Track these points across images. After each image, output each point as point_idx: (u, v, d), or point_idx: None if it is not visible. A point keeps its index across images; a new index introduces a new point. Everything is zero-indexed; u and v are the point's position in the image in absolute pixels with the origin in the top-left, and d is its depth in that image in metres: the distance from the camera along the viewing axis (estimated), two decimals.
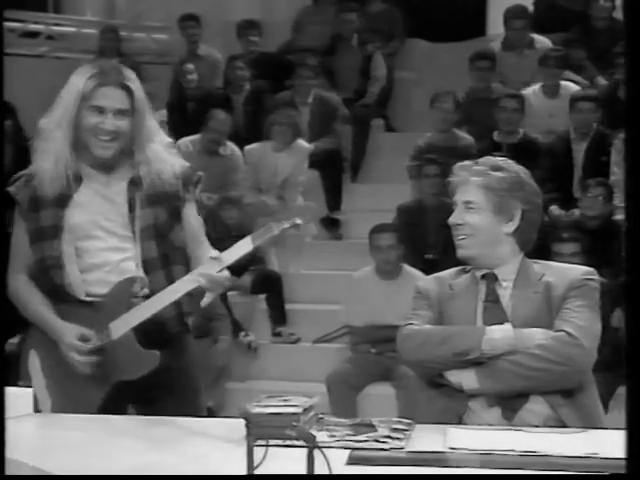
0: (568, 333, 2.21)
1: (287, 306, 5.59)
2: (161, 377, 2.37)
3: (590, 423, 2.20)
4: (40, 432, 2.18)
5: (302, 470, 1.57)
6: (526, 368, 2.20)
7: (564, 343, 2.20)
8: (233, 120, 6.26)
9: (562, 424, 2.19)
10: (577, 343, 2.21)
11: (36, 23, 7.43)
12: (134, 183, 2.46)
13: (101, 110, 2.42)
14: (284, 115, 6.06)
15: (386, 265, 4.89)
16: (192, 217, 2.51)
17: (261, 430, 1.63)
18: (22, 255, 2.49)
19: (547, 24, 6.72)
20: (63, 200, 2.44)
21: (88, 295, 2.42)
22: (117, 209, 2.45)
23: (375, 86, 6.89)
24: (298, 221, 2.30)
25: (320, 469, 1.57)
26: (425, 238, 5.36)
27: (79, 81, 2.44)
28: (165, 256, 2.45)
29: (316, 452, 1.57)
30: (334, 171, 6.35)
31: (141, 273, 2.42)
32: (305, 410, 1.71)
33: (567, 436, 2.03)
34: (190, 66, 6.74)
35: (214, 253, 2.32)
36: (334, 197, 6.32)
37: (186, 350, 2.54)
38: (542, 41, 6.55)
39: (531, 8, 6.85)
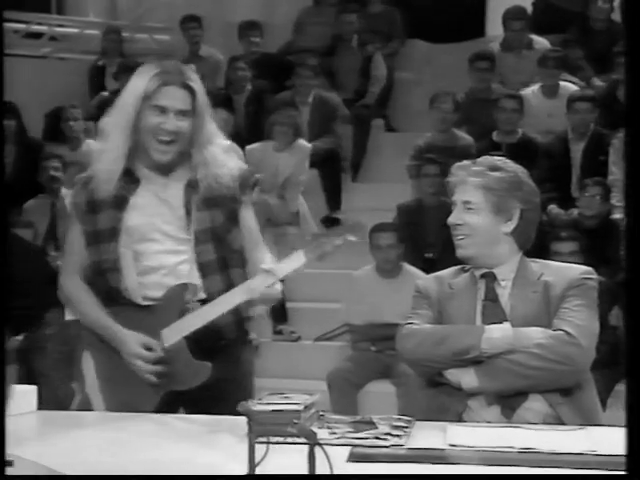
0: (567, 332, 2.23)
1: (288, 304, 5.61)
2: (215, 387, 2.33)
3: (588, 421, 2.21)
4: (43, 429, 2.20)
5: (303, 467, 1.59)
6: (525, 367, 2.21)
7: (563, 342, 2.22)
8: (235, 120, 6.28)
9: (561, 422, 2.20)
10: (575, 342, 2.22)
11: (39, 24, 7.43)
12: (191, 185, 2.42)
13: (163, 110, 2.37)
14: (285, 115, 6.07)
15: (386, 264, 4.91)
16: (249, 220, 2.48)
17: (263, 427, 1.64)
18: (77, 257, 2.46)
19: (545, 25, 6.73)
20: (120, 202, 2.41)
21: (144, 299, 2.39)
22: (174, 212, 2.41)
23: (375, 86, 6.90)
24: (351, 238, 2.28)
25: (321, 466, 1.59)
26: (425, 237, 5.38)
27: (141, 81, 2.39)
28: (223, 259, 2.42)
29: (317, 449, 1.59)
30: (333, 171, 6.37)
31: (196, 276, 2.39)
32: (306, 407, 1.73)
33: (566, 433, 2.05)
34: (192, 67, 6.75)
35: (267, 266, 2.29)
36: (334, 196, 6.34)
37: (240, 358, 2.49)
38: (541, 42, 6.56)
39: (530, 9, 6.86)
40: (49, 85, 6.71)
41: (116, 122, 2.40)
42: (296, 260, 2.26)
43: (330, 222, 6.28)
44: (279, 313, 5.56)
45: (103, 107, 7.82)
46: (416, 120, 6.67)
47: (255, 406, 1.69)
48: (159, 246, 2.40)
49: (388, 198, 5.83)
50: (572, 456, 1.88)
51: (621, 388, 4.56)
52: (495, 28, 7.10)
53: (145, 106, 2.37)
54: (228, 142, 2.51)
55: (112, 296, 2.40)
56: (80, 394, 2.42)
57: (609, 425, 2.23)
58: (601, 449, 1.91)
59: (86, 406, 2.39)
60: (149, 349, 2.33)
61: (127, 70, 6.68)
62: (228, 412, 2.24)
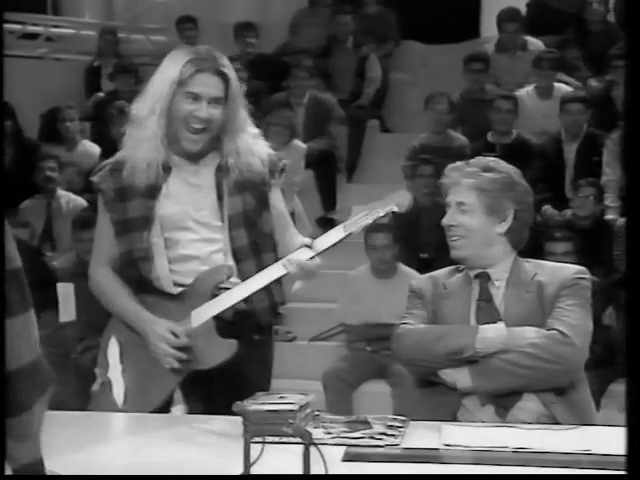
0: (560, 332, 2.24)
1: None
2: (241, 367, 2.33)
3: (582, 420, 2.22)
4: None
5: (298, 467, 1.60)
6: (519, 366, 2.22)
7: (556, 342, 2.23)
8: None
9: (555, 421, 2.21)
10: (569, 342, 2.23)
11: (35, 25, 7.42)
12: (222, 170, 2.39)
13: (196, 97, 2.34)
14: (280, 116, 6.08)
15: (381, 264, 4.92)
16: (279, 203, 2.46)
17: (258, 427, 1.65)
18: (107, 247, 2.42)
19: (540, 26, 6.75)
20: (152, 190, 2.37)
21: (176, 286, 2.35)
22: (206, 197, 2.38)
23: (370, 87, 6.91)
24: (395, 208, 2.26)
25: (316, 466, 1.60)
26: (420, 237, 5.39)
27: (174, 67, 2.34)
28: (255, 244, 2.39)
29: (312, 449, 1.60)
30: (328, 171, 6.38)
31: (231, 262, 2.37)
32: (301, 407, 1.74)
33: (560, 433, 2.06)
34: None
35: (307, 240, 2.28)
36: (329, 197, 6.35)
37: (270, 342, 2.51)
38: (535, 43, 6.58)
39: (524, 10, 6.88)
40: (45, 86, 6.70)
41: (149, 108, 2.35)
42: (336, 234, 2.27)
43: (325, 223, 6.29)
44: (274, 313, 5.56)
45: (99, 108, 7.84)
46: (411, 121, 6.69)
47: (250, 406, 1.70)
48: (194, 235, 2.38)
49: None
50: (566, 456, 1.89)
51: (615, 388, 4.58)
52: (490, 29, 7.12)
53: (178, 92, 2.33)
54: (257, 130, 2.48)
55: (143, 285, 2.38)
56: (102, 378, 2.41)
57: (603, 424, 2.24)
58: (595, 448, 1.92)
59: (106, 390, 2.38)
60: (175, 335, 2.30)
61: (123, 71, 6.71)
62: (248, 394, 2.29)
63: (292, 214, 5.96)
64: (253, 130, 2.47)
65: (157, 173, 2.37)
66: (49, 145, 6.12)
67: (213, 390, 2.37)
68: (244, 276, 2.35)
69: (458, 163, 2.40)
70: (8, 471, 1.30)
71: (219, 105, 2.36)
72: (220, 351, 2.30)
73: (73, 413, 2.32)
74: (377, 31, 7.21)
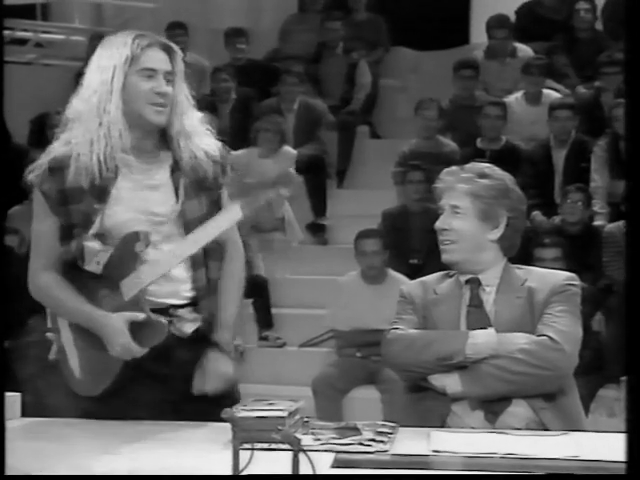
0: (550, 338, 2.24)
1: (273, 310, 5.61)
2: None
3: (571, 426, 2.22)
4: (28, 436, 2.19)
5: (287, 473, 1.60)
6: (509, 372, 2.23)
7: (546, 348, 2.24)
8: (219, 127, 6.27)
9: (544, 427, 2.21)
10: (559, 348, 2.24)
11: (24, 30, 7.41)
12: (176, 167, 2.24)
13: (152, 73, 2.20)
14: (270, 122, 6.09)
15: (371, 270, 4.93)
16: (227, 216, 2.21)
17: (247, 433, 1.65)
18: (49, 252, 2.25)
19: (529, 33, 6.79)
20: (99, 193, 2.20)
21: (98, 264, 2.20)
22: (162, 201, 2.23)
23: (360, 93, 6.93)
24: (283, 191, 2.21)
25: (305, 473, 1.60)
26: (410, 243, 5.40)
27: (120, 49, 2.20)
28: (204, 251, 2.24)
29: (301, 455, 1.60)
30: (319, 177, 6.39)
31: (185, 271, 2.23)
32: (291, 414, 1.73)
33: (549, 439, 2.06)
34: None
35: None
36: (319, 203, 6.36)
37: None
38: (524, 50, 6.62)
39: (513, 17, 6.91)
40: (34, 91, 6.69)
41: (96, 101, 2.19)
42: (233, 212, 2.13)
43: (316, 228, 6.30)
44: (265, 319, 5.56)
45: None
46: (401, 127, 6.71)
47: (239, 412, 1.69)
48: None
49: (373, 204, 5.85)
50: (555, 461, 1.89)
51: (604, 393, 4.59)
52: (479, 36, 7.14)
53: (131, 72, 2.19)
54: (198, 112, 2.30)
55: (73, 276, 2.23)
56: (57, 344, 2.33)
57: (592, 430, 2.25)
58: (584, 454, 1.92)
59: (62, 357, 2.31)
60: (135, 327, 2.16)
61: None
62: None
63: (282, 220, 5.98)
64: (198, 113, 2.31)
65: (104, 174, 2.19)
66: (38, 151, 6.09)
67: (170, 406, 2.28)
68: (196, 285, 2.24)
69: (453, 168, 2.40)
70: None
71: (170, 82, 2.23)
72: (152, 333, 2.17)
73: (62, 420, 2.31)
74: (367, 37, 7.23)
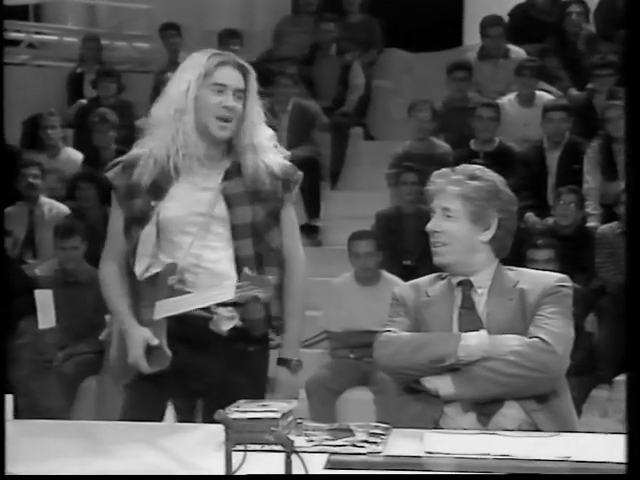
0: (542, 339, 2.25)
1: None
2: (232, 379, 2.38)
3: (564, 427, 2.23)
4: (20, 439, 2.19)
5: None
6: (501, 374, 2.23)
7: (538, 349, 2.24)
8: None
9: (536, 428, 2.21)
10: (550, 349, 2.24)
11: (17, 31, 7.40)
12: (232, 176, 2.42)
13: (222, 88, 2.39)
14: None
15: (365, 271, 4.93)
16: (290, 219, 2.48)
17: (240, 435, 1.65)
18: (115, 242, 2.46)
19: (522, 35, 6.81)
20: (157, 190, 2.40)
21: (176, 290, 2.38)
22: (212, 203, 2.39)
23: (354, 95, 6.93)
24: (259, 294, 2.39)
25: (298, 474, 1.60)
26: (403, 245, 5.40)
27: (197, 64, 2.41)
28: (259, 255, 2.41)
29: (294, 457, 1.60)
30: (312, 179, 6.38)
31: (233, 271, 2.39)
32: (284, 415, 1.74)
33: (541, 440, 2.06)
34: (171, 74, 6.74)
35: None
36: (312, 204, 6.35)
37: (264, 355, 2.50)
38: (517, 51, 6.63)
39: (506, 19, 6.93)
40: (27, 93, 6.67)
41: (173, 108, 2.40)
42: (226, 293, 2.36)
43: (309, 230, 6.29)
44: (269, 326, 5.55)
45: (81, 115, 7.81)
46: (394, 128, 6.71)
47: (232, 414, 1.69)
48: (196, 240, 2.38)
49: (367, 206, 5.85)
50: (548, 462, 1.90)
51: (596, 394, 4.60)
52: (472, 38, 7.16)
53: (203, 86, 2.39)
54: (271, 131, 2.49)
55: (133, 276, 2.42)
56: (108, 329, 2.56)
57: (584, 431, 2.26)
58: (576, 455, 1.92)
59: (108, 341, 2.49)
60: (149, 348, 2.34)
61: (105, 78, 6.69)
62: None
63: None
64: (268, 131, 2.48)
65: (164, 173, 2.39)
66: (31, 152, 6.09)
67: (204, 401, 2.41)
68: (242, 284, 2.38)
69: (444, 170, 2.40)
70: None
71: (241, 99, 2.42)
72: (158, 359, 2.35)
73: (54, 422, 2.31)
74: (361, 39, 7.23)
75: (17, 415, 2.32)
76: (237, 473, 1.64)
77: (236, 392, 2.22)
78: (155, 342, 2.33)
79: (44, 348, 4.47)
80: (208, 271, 2.38)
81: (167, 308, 2.35)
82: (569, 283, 2.37)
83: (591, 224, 5.25)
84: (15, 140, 6.45)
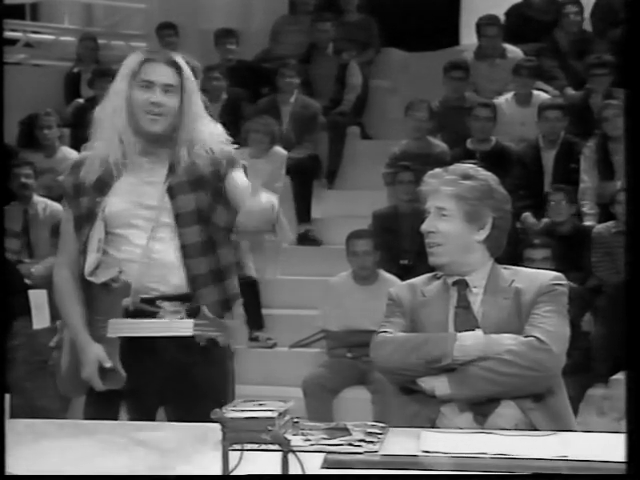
0: (537, 338, 2.25)
1: (264, 311, 5.61)
2: (193, 372, 2.40)
3: (560, 426, 2.23)
4: (15, 439, 2.19)
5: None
6: (497, 374, 2.23)
7: (534, 348, 2.24)
8: None
9: (533, 427, 2.22)
10: (546, 348, 2.24)
11: (14, 30, 7.39)
12: (176, 169, 2.45)
13: (149, 85, 2.43)
14: (261, 122, 6.08)
15: (362, 271, 4.93)
16: (240, 179, 2.43)
17: (236, 434, 1.65)
18: (67, 244, 2.49)
19: (518, 34, 6.81)
20: (102, 186, 2.44)
21: (98, 277, 2.39)
22: (155, 195, 2.43)
23: (351, 94, 6.93)
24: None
25: (295, 473, 1.60)
26: (400, 244, 5.41)
27: (129, 64, 2.47)
28: (210, 240, 2.44)
29: (291, 456, 1.60)
30: (305, 181, 6.37)
31: (179, 259, 2.40)
32: (280, 414, 1.73)
33: (538, 439, 2.07)
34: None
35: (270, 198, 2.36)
36: (304, 208, 6.32)
37: (219, 358, 2.49)
38: (514, 51, 6.64)
39: (503, 19, 6.93)
40: (23, 92, 6.67)
41: (111, 107, 2.46)
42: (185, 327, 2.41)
43: (304, 238, 6.26)
44: (255, 320, 5.56)
45: (78, 114, 7.79)
46: (391, 128, 6.71)
47: (229, 413, 1.70)
48: (140, 232, 2.41)
49: (364, 205, 5.86)
50: (544, 461, 1.90)
51: (592, 393, 4.61)
52: (469, 37, 7.17)
53: (133, 85, 2.44)
54: (215, 123, 2.52)
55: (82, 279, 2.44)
56: (59, 335, 2.53)
57: (581, 430, 2.26)
58: (572, 454, 1.93)
59: (58, 350, 2.49)
60: (102, 367, 2.37)
61: (102, 77, 6.67)
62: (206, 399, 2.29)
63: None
64: (215, 125, 2.51)
65: (108, 170, 2.44)
66: (28, 152, 6.09)
67: (167, 396, 2.43)
68: (193, 273, 2.40)
69: (437, 170, 2.41)
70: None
71: (173, 94, 2.44)
72: (112, 379, 2.38)
73: (50, 421, 2.31)
74: (358, 38, 7.23)
75: (13, 415, 2.32)
76: (234, 473, 1.64)
77: (198, 388, 2.31)
78: (108, 364, 2.37)
79: (39, 348, 4.46)
80: (156, 262, 2.40)
81: (122, 328, 2.38)
82: (564, 281, 2.37)
83: (587, 223, 5.26)
84: (11, 140, 6.44)
